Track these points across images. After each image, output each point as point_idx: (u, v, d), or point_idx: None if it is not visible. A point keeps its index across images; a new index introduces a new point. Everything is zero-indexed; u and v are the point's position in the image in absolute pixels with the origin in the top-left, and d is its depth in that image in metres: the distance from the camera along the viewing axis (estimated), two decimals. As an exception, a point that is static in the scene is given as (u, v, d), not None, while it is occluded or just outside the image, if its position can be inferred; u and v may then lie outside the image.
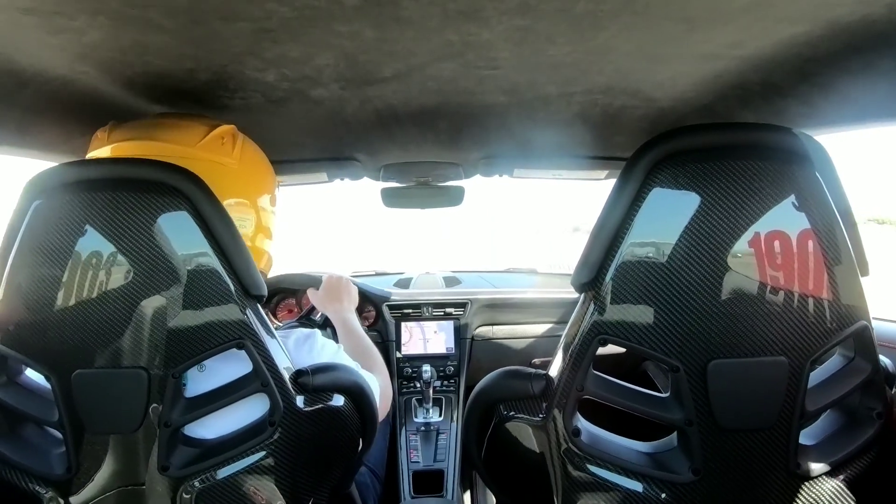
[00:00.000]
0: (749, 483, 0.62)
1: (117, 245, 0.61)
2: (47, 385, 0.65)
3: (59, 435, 0.67)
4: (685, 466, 0.62)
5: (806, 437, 0.63)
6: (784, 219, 0.56)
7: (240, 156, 0.81)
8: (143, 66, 0.75)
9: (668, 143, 0.58)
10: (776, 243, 0.56)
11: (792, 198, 0.56)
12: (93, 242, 0.62)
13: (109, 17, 0.59)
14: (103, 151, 0.75)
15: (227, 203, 0.77)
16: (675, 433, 0.64)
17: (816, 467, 0.62)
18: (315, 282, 1.37)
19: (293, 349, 0.78)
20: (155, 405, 0.65)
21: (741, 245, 0.56)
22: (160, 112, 0.86)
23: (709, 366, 0.58)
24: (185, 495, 0.67)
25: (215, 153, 0.77)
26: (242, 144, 0.82)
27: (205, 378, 0.70)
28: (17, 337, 0.65)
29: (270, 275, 1.63)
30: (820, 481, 0.62)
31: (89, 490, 0.68)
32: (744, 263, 0.56)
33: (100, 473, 0.68)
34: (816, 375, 0.62)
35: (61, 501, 0.68)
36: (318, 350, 0.81)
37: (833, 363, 0.64)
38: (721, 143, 0.58)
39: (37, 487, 0.68)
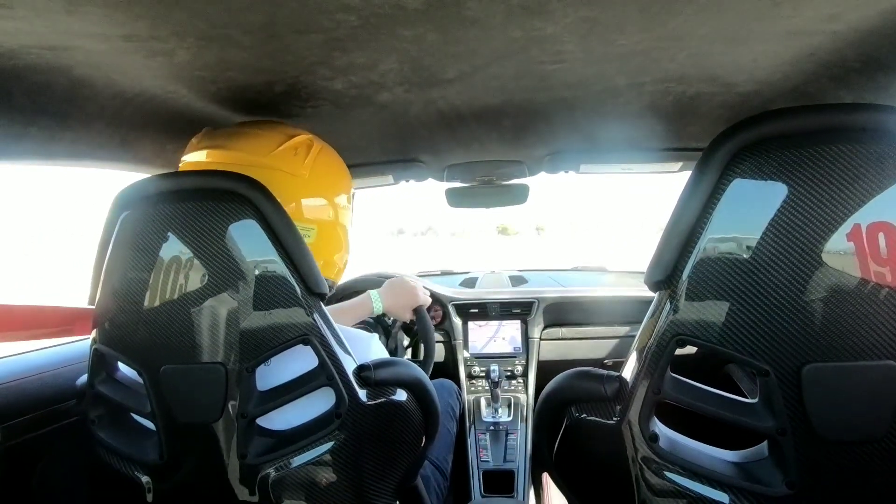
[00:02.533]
0: (854, 500, 0.56)
1: (194, 250, 0.67)
2: (139, 379, 0.72)
3: (151, 425, 0.74)
4: (778, 479, 0.57)
5: None
6: (890, 208, 0.50)
7: (312, 165, 0.85)
8: (226, 80, 0.81)
9: (752, 129, 0.54)
10: (881, 235, 0.51)
11: None
12: (174, 248, 0.68)
13: (196, 38, 0.65)
14: (192, 156, 0.83)
15: (293, 211, 0.82)
16: (766, 442, 0.60)
17: None
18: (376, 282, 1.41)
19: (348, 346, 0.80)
20: (232, 398, 0.70)
21: (838, 239, 0.51)
22: (243, 121, 0.92)
23: (803, 370, 0.53)
24: (262, 481, 0.72)
25: (286, 163, 0.82)
26: (318, 154, 0.86)
27: (271, 373, 0.74)
28: (112, 335, 0.73)
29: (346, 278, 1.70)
30: None
31: (179, 475, 0.74)
32: (841, 258, 0.51)
33: (188, 460, 0.74)
34: None
35: (156, 485, 0.75)
36: (373, 355, 0.82)
37: None
38: (813, 128, 0.53)
39: (135, 472, 0.75)
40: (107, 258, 0.71)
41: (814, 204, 0.51)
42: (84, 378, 0.78)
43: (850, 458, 0.55)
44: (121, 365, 0.79)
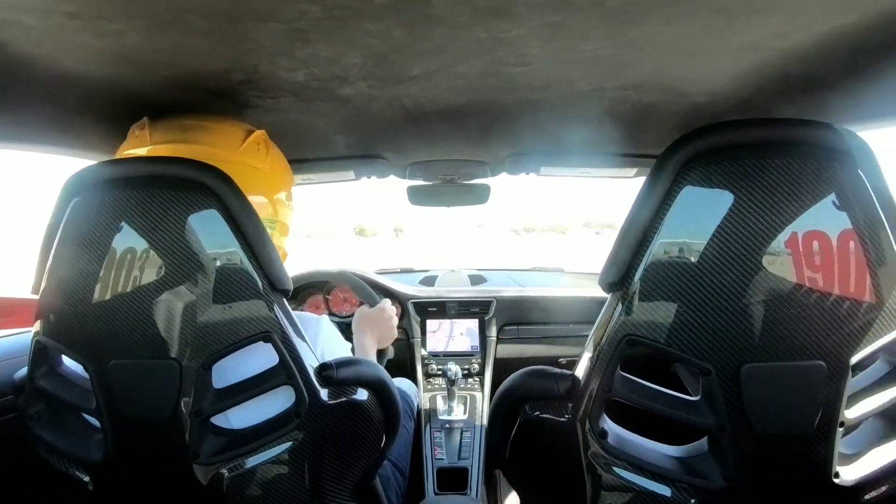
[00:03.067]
0: (784, 492, 0.60)
1: (151, 241, 0.64)
2: (85, 374, 0.68)
3: (96, 422, 0.70)
4: (716, 472, 0.60)
5: (846, 446, 0.60)
6: (824, 218, 0.54)
7: (271, 161, 0.85)
8: (181, 67, 0.77)
9: (702, 139, 0.57)
10: (815, 243, 0.54)
11: (832, 196, 0.54)
12: (128, 238, 0.64)
13: (149, 19, 0.61)
14: (142, 150, 0.78)
15: (257, 204, 0.79)
16: (706, 438, 0.63)
17: (857, 478, 0.59)
18: (369, 298, 1.38)
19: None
20: (186, 396, 0.67)
21: (777, 245, 0.54)
22: (189, 112, 0.89)
23: (742, 369, 0.56)
24: (215, 483, 0.69)
25: (253, 158, 0.81)
26: (272, 149, 0.87)
27: (227, 371, 0.71)
28: (57, 328, 0.68)
29: (301, 271, 1.66)
30: (860, 493, 0.60)
31: (124, 475, 0.71)
32: (780, 264, 0.55)
33: (134, 460, 0.70)
34: (858, 382, 0.60)
35: (98, 486, 0.71)
36: (323, 336, 0.83)
37: (876, 369, 0.62)
38: (757, 140, 0.56)
39: (77, 472, 0.71)
40: (54, 246, 0.66)
41: (756, 212, 0.54)
42: (23, 372, 0.73)
43: (782, 451, 0.59)
44: (65, 359, 0.74)
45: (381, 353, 1.25)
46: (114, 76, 0.80)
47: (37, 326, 0.70)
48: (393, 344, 1.29)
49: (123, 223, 0.64)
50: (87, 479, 0.71)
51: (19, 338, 1.04)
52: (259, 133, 0.84)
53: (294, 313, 0.75)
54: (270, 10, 0.60)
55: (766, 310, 0.55)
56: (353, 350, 1.12)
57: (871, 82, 0.76)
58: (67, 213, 0.66)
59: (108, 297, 0.65)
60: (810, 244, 0.54)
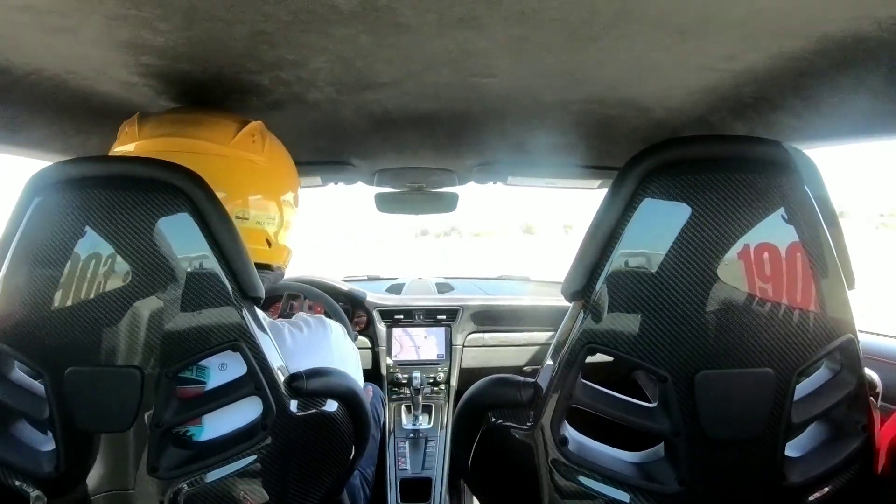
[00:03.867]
0: (735, 494, 0.62)
1: (116, 245, 0.60)
2: (37, 382, 0.64)
3: (49, 434, 0.66)
4: (672, 477, 0.62)
5: (792, 450, 0.63)
6: (773, 231, 0.56)
7: (269, 153, 0.81)
8: (139, 66, 0.74)
9: (661, 153, 0.58)
10: (765, 255, 0.56)
11: (781, 210, 0.56)
12: (92, 242, 0.60)
13: (105, 15, 0.59)
14: (132, 147, 0.75)
15: (257, 199, 0.79)
16: (663, 444, 0.64)
17: (802, 479, 0.62)
18: (338, 317, 1.38)
19: (305, 332, 0.78)
20: (147, 405, 0.64)
21: (731, 257, 0.56)
22: (179, 107, 0.86)
23: (696, 376, 0.58)
24: (173, 498, 0.66)
25: (247, 150, 0.77)
26: (270, 142, 0.83)
27: (227, 376, 0.69)
28: (11, 333, 0.63)
29: (292, 275, 1.61)
30: (805, 493, 0.62)
31: (77, 491, 0.66)
32: (733, 275, 0.57)
33: (89, 474, 0.66)
34: (803, 388, 0.62)
35: (47, 501, 0.66)
36: (337, 344, 0.82)
37: (819, 376, 0.65)
38: (712, 155, 0.58)
39: (23, 486, 0.66)
40: (12, 248, 0.62)
41: (711, 224, 0.56)
42: None
43: (733, 455, 0.61)
44: (18, 366, 0.69)
45: None
46: (67, 73, 0.76)
47: None
48: (359, 350, 1.28)
49: (87, 226, 0.60)
50: (35, 493, 0.66)
51: None
52: (255, 124, 0.80)
53: (308, 316, 0.73)
54: (233, 12, 0.58)
55: (721, 318, 0.57)
56: None
57: (813, 104, 0.81)
58: (28, 213, 0.62)
59: (69, 302, 0.61)
60: (761, 256, 0.57)
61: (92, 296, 0.61)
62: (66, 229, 0.60)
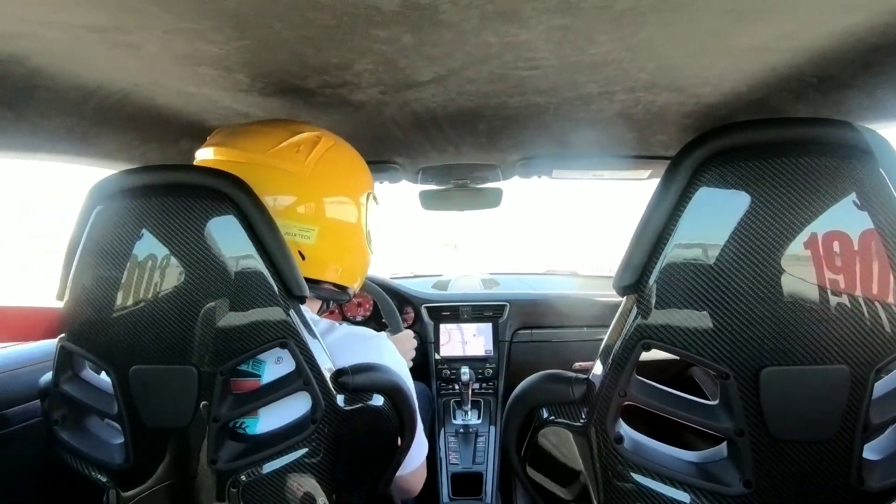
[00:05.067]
0: (806, 498, 0.59)
1: (170, 248, 0.65)
2: (107, 380, 0.69)
3: (118, 427, 0.71)
4: (736, 478, 0.59)
5: (871, 452, 0.59)
6: (844, 218, 0.53)
7: (315, 164, 0.79)
8: (195, 76, 0.78)
9: (717, 140, 0.56)
10: (835, 244, 0.53)
11: (853, 196, 0.52)
12: (148, 245, 0.65)
13: (162, 30, 0.63)
14: (200, 153, 0.81)
15: (284, 209, 0.78)
16: (725, 443, 0.61)
17: (883, 484, 0.57)
18: (395, 325, 1.42)
19: (346, 343, 0.78)
20: (205, 401, 0.68)
21: (796, 247, 0.53)
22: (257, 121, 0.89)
23: (761, 373, 0.55)
24: (232, 488, 0.70)
25: (286, 160, 0.77)
26: (325, 151, 0.81)
27: (283, 370, 0.72)
28: (80, 334, 0.69)
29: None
30: (886, 499, 0.58)
31: (145, 481, 0.71)
32: (799, 266, 0.53)
33: (155, 465, 0.71)
34: (883, 385, 0.58)
35: (120, 490, 0.72)
36: (385, 356, 0.81)
37: None
38: (774, 140, 0.55)
39: (98, 476, 0.72)
40: (77, 253, 0.68)
41: (774, 213, 0.53)
42: (48, 377, 0.74)
43: (803, 457, 0.57)
44: (88, 364, 0.75)
45: None
46: (130, 87, 0.81)
47: (62, 332, 0.71)
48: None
49: (144, 230, 0.65)
50: (109, 484, 0.72)
51: (45, 343, 1.05)
52: (307, 135, 0.79)
53: (353, 329, 0.75)
54: (280, 19, 0.60)
55: (787, 312, 0.54)
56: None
57: (886, 79, 0.75)
58: (90, 221, 0.67)
59: (129, 303, 0.66)
60: (831, 245, 0.53)
61: (150, 296, 0.65)
62: (125, 234, 0.65)
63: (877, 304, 0.53)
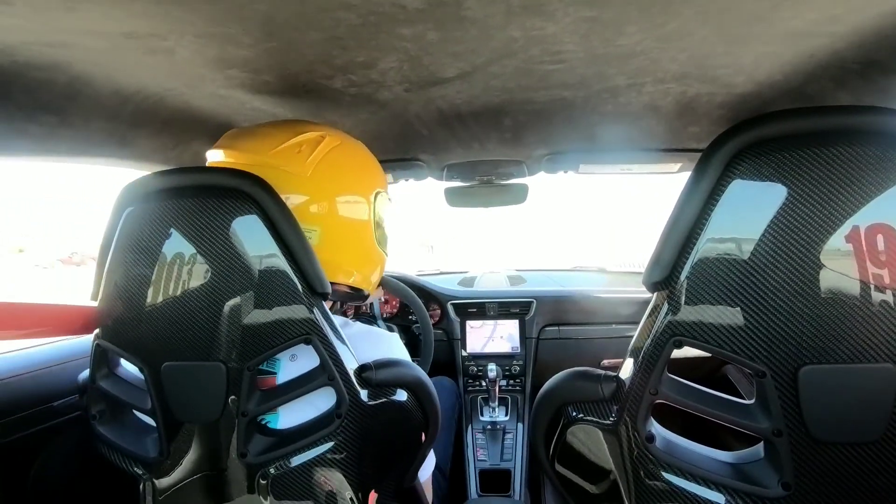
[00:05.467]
0: (848, 501, 0.56)
1: (197, 247, 0.67)
2: (141, 376, 0.72)
3: (152, 422, 0.74)
4: (774, 480, 0.57)
5: None
6: (889, 210, 0.50)
7: (316, 163, 0.79)
8: (226, 79, 0.80)
9: (751, 130, 0.54)
10: (879, 237, 0.51)
11: None
12: (177, 245, 0.68)
13: (195, 35, 0.64)
14: (210, 154, 0.83)
15: (297, 208, 0.78)
16: (762, 443, 0.60)
17: None
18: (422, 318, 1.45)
19: (354, 340, 0.78)
20: (233, 396, 0.70)
21: (837, 240, 0.51)
22: (227, 121, 0.92)
23: (800, 372, 0.53)
24: (261, 481, 0.72)
25: (286, 161, 0.78)
26: (328, 151, 0.81)
27: (297, 367, 0.74)
28: (114, 331, 0.72)
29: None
30: None
31: (178, 472, 0.74)
32: (840, 260, 0.51)
33: (187, 458, 0.74)
34: None
35: (155, 482, 0.75)
36: (395, 354, 0.82)
37: None
38: (813, 129, 0.53)
39: (134, 468, 0.75)
40: (110, 254, 0.71)
41: (813, 205, 0.51)
42: (86, 373, 0.78)
43: (844, 459, 0.55)
44: (123, 361, 0.79)
45: (426, 355, 1.26)
46: (165, 91, 0.84)
47: (97, 330, 0.74)
48: (434, 344, 1.30)
49: (173, 230, 0.68)
50: (145, 475, 0.75)
51: (84, 340, 1.10)
52: (310, 135, 0.80)
53: (367, 329, 0.77)
54: (308, 20, 0.61)
55: (826, 309, 0.52)
56: None
57: None
58: (121, 222, 0.70)
59: (159, 301, 0.69)
60: (874, 238, 0.51)
61: (178, 294, 0.68)
62: (154, 234, 0.68)
63: None
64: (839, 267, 0.51)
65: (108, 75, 0.76)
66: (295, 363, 0.75)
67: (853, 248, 0.51)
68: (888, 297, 0.51)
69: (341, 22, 0.61)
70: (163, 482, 0.75)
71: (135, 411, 0.79)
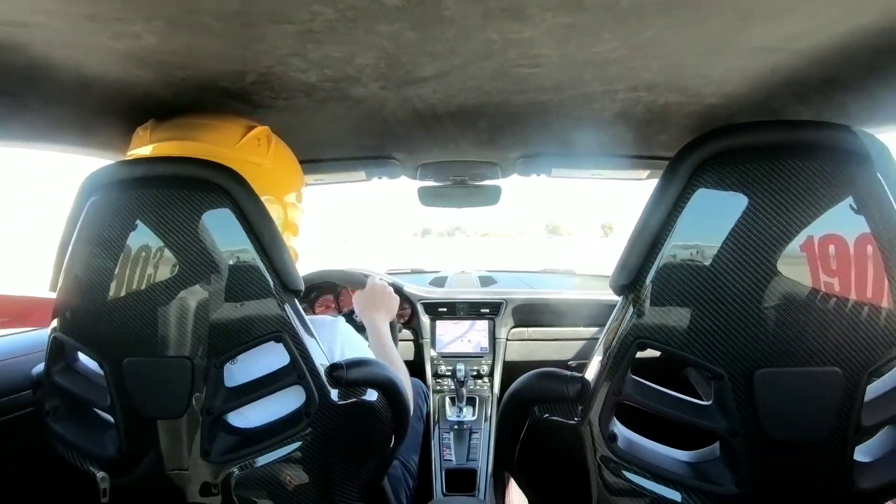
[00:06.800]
0: (799, 499, 0.59)
1: (165, 239, 0.65)
2: (100, 371, 0.69)
3: (111, 418, 0.71)
4: (728, 478, 0.59)
5: (863, 454, 0.59)
6: (840, 222, 0.53)
7: (274, 156, 0.84)
8: (196, 68, 0.78)
9: (716, 141, 0.56)
10: (831, 247, 0.53)
11: (850, 200, 0.53)
12: (142, 237, 0.65)
13: (165, 21, 0.62)
14: (145, 150, 0.79)
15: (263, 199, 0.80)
16: (718, 443, 0.62)
17: (873, 486, 0.58)
18: (358, 282, 1.40)
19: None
20: (198, 393, 0.68)
21: (792, 249, 0.53)
22: (203, 112, 0.90)
23: (755, 374, 0.56)
24: (225, 480, 0.70)
25: (252, 154, 0.80)
26: (276, 145, 0.85)
27: (238, 371, 0.73)
28: (73, 325, 0.69)
29: (312, 270, 1.68)
30: (877, 501, 0.59)
31: (137, 472, 0.72)
32: (795, 268, 0.54)
33: (147, 456, 0.71)
34: (875, 388, 0.58)
35: (112, 481, 0.72)
36: (341, 337, 0.82)
37: (893, 376, 0.61)
38: (773, 142, 0.55)
39: (90, 467, 0.72)
40: (71, 244, 0.68)
41: (771, 215, 0.53)
42: (40, 367, 0.74)
43: (797, 458, 0.58)
44: (81, 355, 0.75)
45: (392, 327, 1.25)
46: (130, 77, 0.81)
47: (54, 323, 0.71)
48: (402, 342, 1.29)
49: (138, 221, 0.65)
50: (101, 474, 0.72)
51: (38, 334, 1.05)
52: (260, 129, 0.83)
53: (308, 317, 0.76)
54: (284, 12, 0.60)
55: (781, 314, 0.55)
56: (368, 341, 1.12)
57: (889, 83, 0.75)
58: (84, 211, 0.67)
59: (122, 294, 0.66)
60: (826, 248, 0.53)
61: (143, 287, 0.65)
62: (119, 225, 0.65)
63: (870, 307, 0.54)
64: (794, 274, 0.54)
65: (70, 58, 0.73)
66: (235, 366, 0.73)
67: (807, 257, 0.53)
68: (837, 304, 0.54)
69: (317, 16, 0.61)
70: (121, 481, 0.72)
71: (92, 408, 0.76)
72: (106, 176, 0.68)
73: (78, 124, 0.89)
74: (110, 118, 0.94)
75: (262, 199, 0.80)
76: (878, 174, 0.53)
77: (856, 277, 0.53)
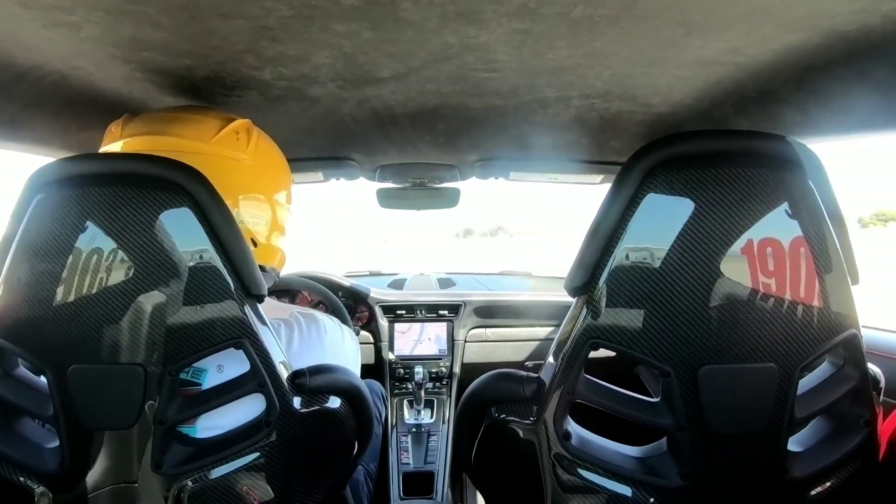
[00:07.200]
0: (737, 488, 0.62)
1: (118, 241, 0.60)
2: (43, 379, 0.64)
3: (53, 430, 0.66)
4: (674, 471, 0.62)
5: (795, 444, 0.63)
6: (777, 226, 0.56)
7: (255, 151, 0.79)
8: (141, 62, 0.74)
9: (664, 149, 0.58)
10: (769, 250, 0.56)
11: (785, 205, 0.56)
12: (93, 238, 0.61)
13: (107, 12, 0.59)
14: (116, 146, 0.74)
15: (242, 199, 0.78)
16: (665, 438, 0.64)
17: (804, 474, 0.62)
18: (338, 311, 1.41)
19: (296, 332, 0.78)
20: (151, 402, 0.64)
21: (734, 252, 0.56)
22: (171, 106, 0.85)
23: (699, 371, 0.58)
24: (177, 494, 0.66)
25: (230, 148, 0.76)
26: (258, 140, 0.81)
27: (224, 378, 0.69)
28: (13, 330, 0.63)
29: (295, 270, 1.62)
30: (807, 487, 0.63)
31: (81, 486, 0.67)
32: (736, 270, 0.57)
33: (93, 470, 0.66)
34: (806, 382, 0.62)
35: (52, 497, 0.67)
36: (332, 342, 0.81)
37: (822, 370, 0.65)
38: (715, 150, 0.58)
39: (28, 482, 0.67)
40: (13, 244, 0.62)
41: (714, 219, 0.56)
42: None
43: (736, 450, 0.61)
44: (22, 364, 0.70)
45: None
46: (70, 70, 0.76)
47: None
48: (361, 346, 1.28)
49: (89, 222, 0.60)
50: (40, 490, 0.67)
51: None
52: (240, 122, 0.78)
53: (300, 313, 0.73)
54: (234, 7, 0.58)
55: (724, 313, 0.57)
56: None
57: (818, 98, 0.80)
58: (29, 210, 0.62)
59: (70, 299, 0.61)
60: (764, 250, 0.56)
61: (94, 292, 0.61)
62: (67, 226, 0.61)
63: (803, 306, 0.57)
64: (735, 275, 0.57)
65: (0, 48, 0.68)
66: (222, 374, 0.70)
67: (747, 259, 0.56)
68: (773, 303, 0.57)
69: (271, 12, 0.59)
70: (63, 497, 0.67)
71: (32, 418, 0.70)
72: (53, 173, 0.62)
73: (5, 117, 0.83)
74: (45, 112, 0.88)
75: (248, 197, 0.78)
76: (810, 181, 0.57)
77: (790, 278, 0.57)
